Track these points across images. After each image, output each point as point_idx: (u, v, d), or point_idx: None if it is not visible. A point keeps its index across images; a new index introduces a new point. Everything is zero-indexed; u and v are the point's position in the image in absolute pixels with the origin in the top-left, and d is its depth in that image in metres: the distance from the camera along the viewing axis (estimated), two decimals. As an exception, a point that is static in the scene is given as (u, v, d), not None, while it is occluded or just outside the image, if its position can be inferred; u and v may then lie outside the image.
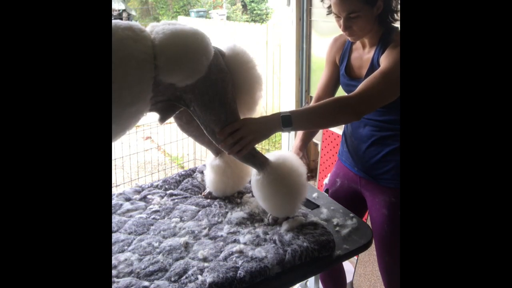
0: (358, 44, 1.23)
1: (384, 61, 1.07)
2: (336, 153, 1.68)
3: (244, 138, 1.00)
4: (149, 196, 1.25)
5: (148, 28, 0.97)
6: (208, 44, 1.00)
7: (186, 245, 1.01)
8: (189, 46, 0.96)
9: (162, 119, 1.10)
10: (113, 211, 1.17)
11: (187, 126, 1.19)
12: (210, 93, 1.01)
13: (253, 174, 1.10)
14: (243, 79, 1.12)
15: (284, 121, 1.00)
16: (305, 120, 1.04)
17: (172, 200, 1.24)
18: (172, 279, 0.90)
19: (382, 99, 1.06)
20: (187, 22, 6.69)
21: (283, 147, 2.92)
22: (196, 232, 1.07)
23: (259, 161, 1.08)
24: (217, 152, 1.23)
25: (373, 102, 1.06)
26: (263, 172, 1.07)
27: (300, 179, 1.09)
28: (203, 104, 1.02)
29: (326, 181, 1.44)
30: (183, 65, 0.95)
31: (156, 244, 1.01)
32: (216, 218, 1.13)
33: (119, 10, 10.49)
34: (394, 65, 1.04)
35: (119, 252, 0.99)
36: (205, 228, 1.09)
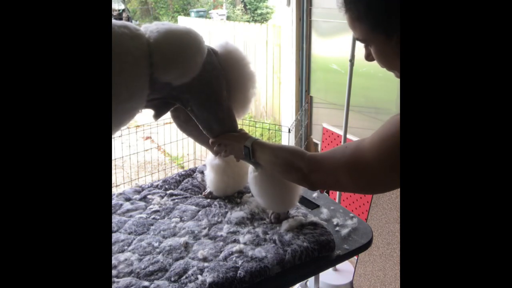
0: None
1: (374, 133, 0.78)
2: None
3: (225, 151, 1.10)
4: (149, 196, 1.25)
5: (139, 27, 0.99)
6: (201, 42, 1.01)
7: (186, 245, 1.01)
8: (183, 43, 0.98)
9: (157, 115, 1.11)
10: (113, 211, 1.17)
11: (186, 125, 1.20)
12: (206, 91, 1.02)
13: (249, 171, 1.11)
14: (236, 77, 1.13)
15: (246, 153, 1.03)
16: (262, 159, 1.00)
17: (172, 200, 1.24)
18: (172, 279, 0.90)
19: (336, 182, 0.83)
20: (187, 22, 6.71)
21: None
22: (196, 232, 1.07)
23: None
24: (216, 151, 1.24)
25: (326, 179, 0.85)
26: (260, 168, 1.07)
27: None
28: (200, 103, 1.02)
29: None
30: (177, 62, 0.97)
31: (156, 244, 1.01)
32: (216, 218, 1.13)
33: (119, 10, 10.49)
34: (374, 146, 0.75)
35: (119, 252, 0.99)
36: (205, 228, 1.09)
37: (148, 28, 0.99)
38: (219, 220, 1.13)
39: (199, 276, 0.90)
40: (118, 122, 0.95)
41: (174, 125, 1.24)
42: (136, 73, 0.92)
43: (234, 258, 0.95)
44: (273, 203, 1.10)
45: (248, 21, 10.26)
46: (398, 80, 0.73)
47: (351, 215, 1.19)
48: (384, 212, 1.65)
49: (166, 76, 0.97)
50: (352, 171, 0.78)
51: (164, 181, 1.35)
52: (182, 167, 3.39)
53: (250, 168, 1.10)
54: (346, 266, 1.96)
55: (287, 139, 2.74)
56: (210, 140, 1.12)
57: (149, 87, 0.96)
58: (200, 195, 1.28)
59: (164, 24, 1.00)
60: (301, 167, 0.88)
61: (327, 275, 1.90)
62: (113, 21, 0.92)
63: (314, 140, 2.70)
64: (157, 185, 1.32)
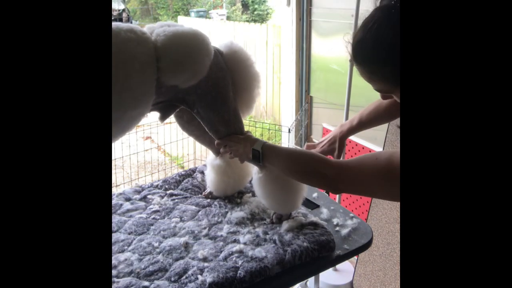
0: None
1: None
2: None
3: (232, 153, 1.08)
4: (149, 196, 1.25)
5: (145, 30, 0.97)
6: (208, 44, 1.00)
7: (186, 245, 1.01)
8: (191, 47, 0.96)
9: (163, 117, 1.10)
10: (113, 211, 1.17)
11: (188, 125, 1.20)
12: (212, 92, 1.02)
13: (254, 173, 1.10)
14: (242, 77, 1.13)
15: (255, 157, 1.01)
16: (276, 164, 0.99)
17: (172, 200, 1.24)
18: (172, 279, 0.90)
19: (366, 190, 0.86)
20: (187, 22, 6.70)
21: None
22: (196, 232, 1.07)
23: None
24: (217, 152, 1.23)
25: (356, 188, 0.88)
26: (265, 170, 1.07)
27: None
28: (206, 104, 1.02)
29: None
30: (186, 66, 0.95)
31: (156, 244, 1.01)
32: (216, 218, 1.13)
33: (119, 10, 10.48)
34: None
35: (119, 252, 0.99)
36: (205, 228, 1.09)
37: (154, 30, 0.97)
38: (219, 220, 1.13)
39: (199, 276, 0.90)
40: (124, 128, 0.93)
41: (174, 125, 1.24)
42: (143, 80, 0.90)
43: (234, 258, 0.96)
44: (277, 204, 1.10)
45: (248, 21, 10.27)
46: None
47: (351, 215, 1.19)
48: (384, 212, 1.65)
49: (174, 80, 0.96)
50: (386, 182, 0.79)
51: (164, 181, 1.35)
52: (182, 167, 3.39)
53: (255, 169, 1.10)
54: (346, 266, 1.96)
55: (287, 139, 2.74)
56: (216, 142, 1.12)
57: (155, 91, 0.95)
58: (200, 195, 1.28)
59: (170, 26, 0.98)
60: (326, 174, 0.88)
61: (327, 275, 1.90)
62: (120, 25, 0.90)
63: (314, 140, 2.70)
64: (157, 185, 1.32)
